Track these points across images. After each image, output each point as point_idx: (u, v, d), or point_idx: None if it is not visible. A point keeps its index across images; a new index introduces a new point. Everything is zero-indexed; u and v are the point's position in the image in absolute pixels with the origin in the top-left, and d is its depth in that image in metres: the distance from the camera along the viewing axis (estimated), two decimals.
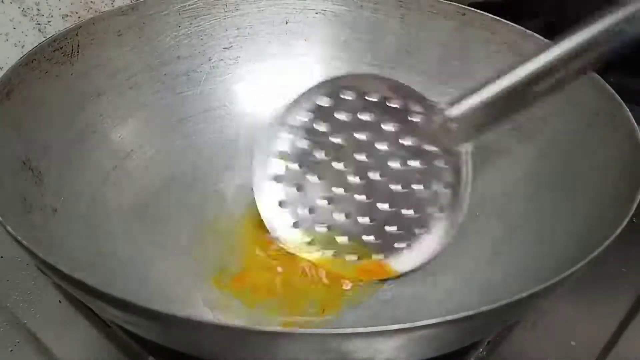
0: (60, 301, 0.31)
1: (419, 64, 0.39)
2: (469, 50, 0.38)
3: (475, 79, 0.37)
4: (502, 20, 0.37)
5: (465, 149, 0.30)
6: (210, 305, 0.30)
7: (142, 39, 0.37)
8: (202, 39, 0.39)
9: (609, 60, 0.27)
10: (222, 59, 0.39)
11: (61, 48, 0.33)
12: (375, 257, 0.32)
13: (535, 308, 0.29)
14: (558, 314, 0.31)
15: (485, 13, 0.37)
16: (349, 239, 0.33)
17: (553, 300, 0.29)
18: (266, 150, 0.33)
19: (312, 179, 0.33)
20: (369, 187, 0.32)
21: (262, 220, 0.34)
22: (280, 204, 0.33)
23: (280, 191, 0.33)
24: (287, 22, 0.40)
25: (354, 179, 0.32)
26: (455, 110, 0.29)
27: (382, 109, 0.31)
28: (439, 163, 0.31)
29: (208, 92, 0.39)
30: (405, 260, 0.32)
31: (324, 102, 0.32)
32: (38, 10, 0.41)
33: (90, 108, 0.34)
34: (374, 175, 0.32)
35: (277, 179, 0.33)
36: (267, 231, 0.33)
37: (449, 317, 0.20)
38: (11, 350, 0.28)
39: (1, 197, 0.26)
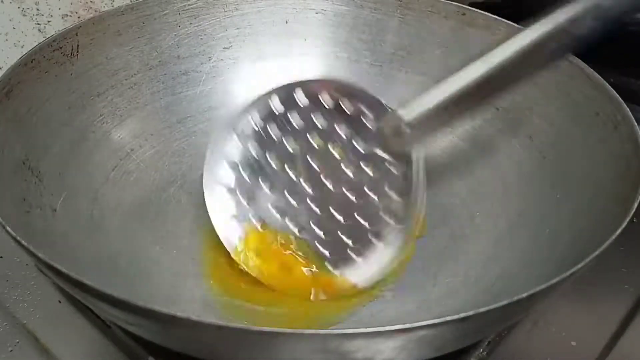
0: (60, 301, 0.31)
1: (419, 64, 0.39)
2: (469, 50, 0.38)
3: None
4: (502, 20, 0.37)
5: (418, 153, 0.30)
6: (210, 305, 0.30)
7: (142, 39, 0.37)
8: (202, 39, 0.39)
9: (572, 50, 0.27)
10: (222, 59, 0.39)
11: (61, 48, 0.33)
12: (331, 270, 0.31)
13: (535, 308, 0.29)
14: (558, 314, 0.31)
15: (485, 13, 0.37)
16: (304, 252, 0.31)
17: (553, 300, 0.29)
18: (217, 158, 0.32)
19: (265, 187, 0.32)
20: (322, 196, 0.31)
21: None
22: (233, 215, 0.32)
23: (231, 202, 0.32)
24: (287, 22, 0.40)
25: (307, 188, 0.31)
26: (408, 114, 0.29)
27: (335, 114, 0.31)
28: (393, 169, 0.30)
29: (208, 92, 0.39)
30: (362, 272, 0.30)
31: (277, 107, 0.31)
32: (38, 10, 0.41)
33: (90, 108, 0.34)
34: (328, 183, 0.31)
35: (229, 189, 0.32)
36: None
37: (449, 317, 0.20)
38: (11, 350, 0.28)
39: (1, 197, 0.26)
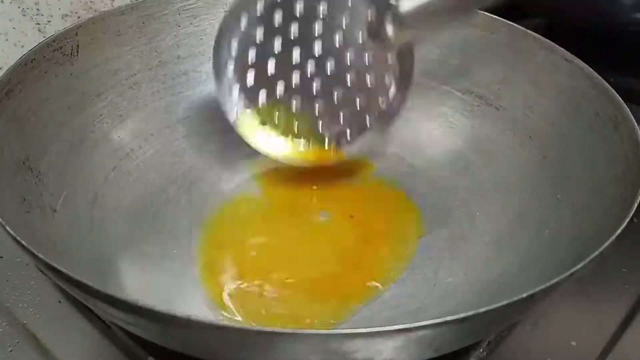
0: (60, 301, 0.31)
1: (419, 64, 0.39)
2: (469, 50, 0.38)
3: (475, 78, 0.37)
4: (502, 20, 0.37)
5: (413, 44, 0.33)
6: (210, 305, 0.30)
7: (142, 39, 0.37)
8: (202, 39, 0.39)
9: None
10: None
11: (61, 48, 0.33)
12: (324, 143, 0.34)
13: (535, 308, 0.29)
14: (558, 314, 0.31)
15: (486, 13, 0.37)
16: (301, 125, 0.34)
17: (553, 300, 0.29)
18: (227, 37, 0.33)
19: (269, 66, 0.34)
20: (323, 77, 0.34)
21: (262, 219, 0.34)
22: (238, 87, 0.34)
23: (237, 76, 0.34)
24: None
25: (309, 69, 0.34)
26: (406, 5, 0.32)
27: (338, 3, 0.33)
28: (389, 58, 0.33)
29: (208, 92, 0.39)
30: (351, 146, 0.34)
31: None
32: (38, 10, 0.41)
33: (90, 108, 0.34)
34: (328, 66, 0.33)
35: (236, 64, 0.34)
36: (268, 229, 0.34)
37: (449, 317, 0.20)
38: (11, 351, 0.28)
39: (1, 197, 0.26)
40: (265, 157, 0.35)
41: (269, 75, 0.34)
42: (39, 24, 0.42)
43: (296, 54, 0.33)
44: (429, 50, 0.39)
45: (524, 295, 0.21)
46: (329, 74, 0.33)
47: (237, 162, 0.37)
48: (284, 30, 0.33)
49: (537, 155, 0.34)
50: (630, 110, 0.30)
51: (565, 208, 0.30)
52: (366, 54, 0.33)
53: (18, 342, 0.29)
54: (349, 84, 0.33)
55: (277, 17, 0.33)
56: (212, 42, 0.39)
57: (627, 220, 0.24)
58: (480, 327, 0.24)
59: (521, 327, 0.30)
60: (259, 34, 0.33)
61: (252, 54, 0.33)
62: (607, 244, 0.23)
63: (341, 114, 0.34)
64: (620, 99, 0.30)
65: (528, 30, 0.36)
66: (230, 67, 0.34)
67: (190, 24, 0.39)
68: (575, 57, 0.33)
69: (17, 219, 0.26)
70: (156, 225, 0.33)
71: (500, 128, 0.36)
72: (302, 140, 0.34)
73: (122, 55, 0.36)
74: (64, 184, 0.31)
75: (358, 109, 0.34)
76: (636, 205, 0.25)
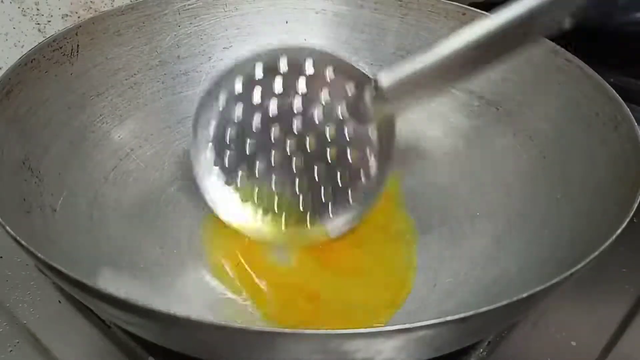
0: (60, 301, 0.31)
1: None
2: None
3: (475, 79, 0.37)
4: None
5: (394, 117, 0.31)
6: (210, 306, 0.30)
7: (142, 39, 0.37)
8: (202, 39, 0.39)
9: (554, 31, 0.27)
10: (222, 59, 0.39)
11: (61, 48, 0.33)
12: (307, 224, 0.33)
13: (535, 308, 0.29)
14: (558, 314, 0.31)
15: (485, 13, 0.37)
16: (282, 205, 0.33)
17: (553, 300, 0.29)
18: (205, 116, 0.33)
19: (249, 144, 0.33)
20: (303, 154, 0.33)
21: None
22: (216, 167, 0.33)
23: (216, 155, 0.33)
24: (287, 22, 0.40)
25: (287, 147, 0.33)
26: (386, 80, 0.30)
27: (317, 80, 0.32)
28: (369, 133, 0.32)
29: None
30: (335, 224, 0.33)
31: (259, 71, 0.32)
32: (38, 10, 0.41)
33: (90, 108, 0.34)
34: (308, 142, 0.32)
35: (214, 142, 0.33)
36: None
37: (449, 317, 0.20)
38: (11, 351, 0.28)
39: (1, 197, 0.26)
40: None
41: (248, 153, 0.33)
42: (39, 24, 0.42)
43: (276, 131, 0.32)
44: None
45: (524, 295, 0.21)
46: (309, 150, 0.33)
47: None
48: (263, 107, 0.32)
49: (537, 155, 0.34)
50: (630, 110, 0.30)
51: (565, 208, 0.30)
52: (346, 129, 0.32)
53: (18, 342, 0.29)
54: (329, 160, 0.33)
55: (256, 94, 0.32)
56: (212, 42, 0.39)
57: (627, 220, 0.24)
58: (480, 327, 0.24)
59: (521, 327, 0.30)
60: (238, 111, 0.32)
61: (230, 133, 0.33)
62: (607, 244, 0.23)
63: (322, 191, 0.33)
64: (620, 99, 0.30)
65: None
66: (209, 146, 0.33)
67: (190, 24, 0.39)
68: (575, 57, 0.33)
69: (17, 219, 0.26)
70: (156, 225, 0.33)
71: (500, 128, 0.36)
72: (283, 219, 0.33)
73: (122, 55, 0.36)
74: (64, 184, 0.31)
75: (339, 185, 0.33)
76: (636, 205, 0.25)
